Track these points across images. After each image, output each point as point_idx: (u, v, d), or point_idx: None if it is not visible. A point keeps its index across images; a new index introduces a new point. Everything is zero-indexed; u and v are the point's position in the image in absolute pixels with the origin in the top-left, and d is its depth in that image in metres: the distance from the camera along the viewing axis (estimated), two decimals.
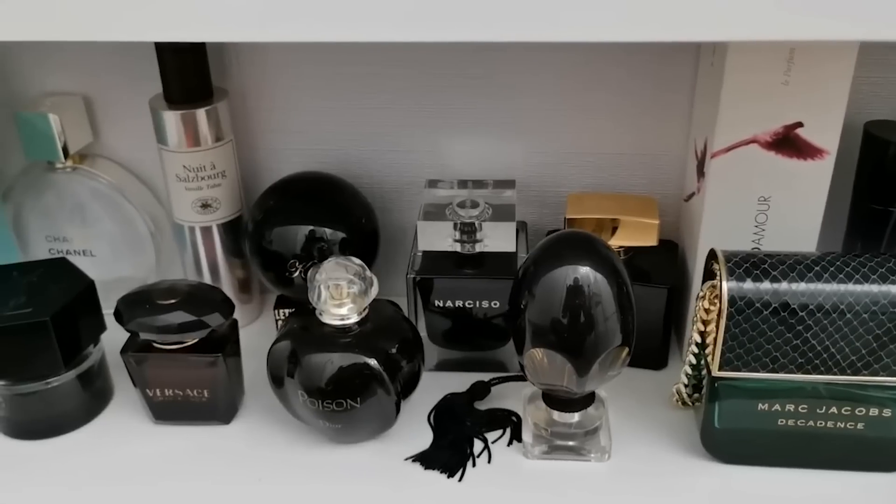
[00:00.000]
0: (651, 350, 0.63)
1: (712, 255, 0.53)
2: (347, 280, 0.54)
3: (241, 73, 0.66)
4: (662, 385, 0.62)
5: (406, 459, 0.57)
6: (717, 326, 0.51)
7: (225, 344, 0.58)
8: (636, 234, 0.61)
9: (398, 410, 0.56)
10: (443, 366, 0.65)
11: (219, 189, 0.65)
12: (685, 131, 0.65)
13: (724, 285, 0.50)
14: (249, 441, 0.59)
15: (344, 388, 0.54)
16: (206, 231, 0.66)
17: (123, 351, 0.57)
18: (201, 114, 0.62)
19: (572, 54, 0.63)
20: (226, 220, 0.66)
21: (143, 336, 0.56)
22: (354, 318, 0.55)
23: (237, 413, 0.61)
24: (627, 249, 0.62)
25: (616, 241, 0.62)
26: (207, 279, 0.68)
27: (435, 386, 0.63)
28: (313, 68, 0.65)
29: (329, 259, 0.55)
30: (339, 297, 0.55)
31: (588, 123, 0.65)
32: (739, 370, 0.52)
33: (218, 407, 0.59)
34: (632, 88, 0.64)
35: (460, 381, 0.63)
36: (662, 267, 0.63)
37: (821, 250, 0.55)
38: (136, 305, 0.56)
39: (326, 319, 0.55)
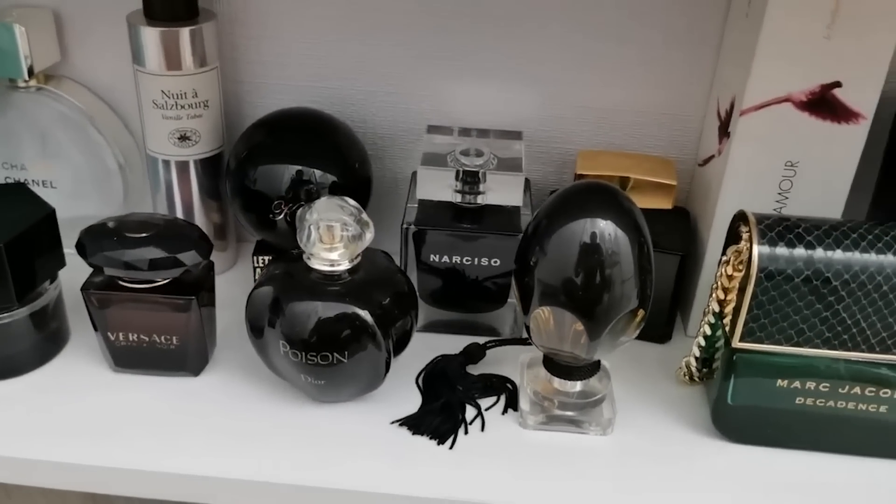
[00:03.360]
0: (657, 322, 0.59)
1: (741, 217, 0.49)
2: (342, 222, 0.49)
3: None
4: (666, 359, 0.58)
5: (392, 423, 0.52)
6: (743, 294, 0.47)
7: (199, 287, 0.52)
8: (650, 195, 0.57)
9: (388, 369, 0.51)
10: (431, 327, 0.61)
11: (199, 120, 0.59)
12: (706, 90, 0.60)
13: (755, 249, 0.46)
14: (220, 396, 0.54)
15: (331, 341, 0.49)
16: (183, 167, 0.60)
17: (84, 288, 0.52)
18: (185, 33, 0.56)
19: (592, 4, 0.58)
20: (205, 156, 0.60)
21: (109, 272, 0.51)
22: (346, 265, 0.50)
23: (207, 365, 0.56)
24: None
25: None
26: None
27: (422, 347, 0.58)
28: None
29: (322, 198, 0.50)
30: (331, 241, 0.50)
31: (602, 77, 0.61)
32: (762, 342, 0.48)
33: (187, 357, 0.54)
34: (653, 43, 0.59)
35: (449, 344, 0.58)
36: (673, 233, 0.59)
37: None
38: (102, 237, 0.51)
39: (315, 264, 0.50)
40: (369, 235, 0.50)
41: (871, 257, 0.46)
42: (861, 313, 0.46)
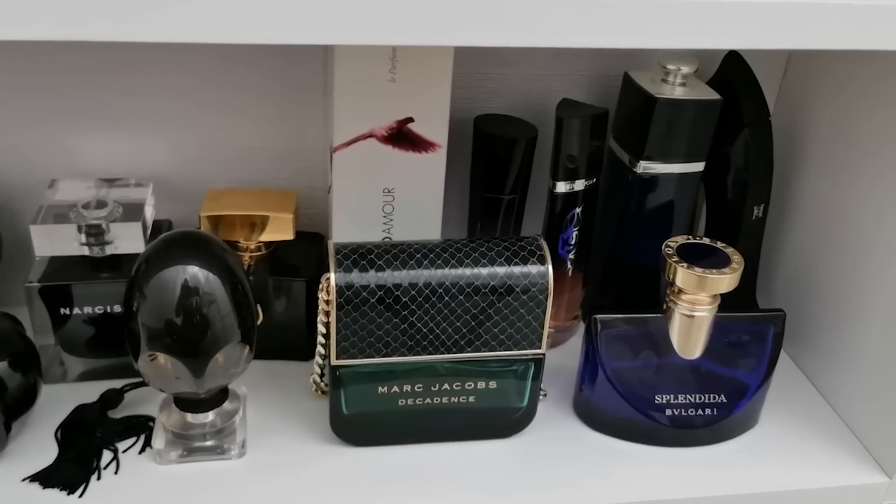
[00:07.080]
0: (297, 342, 0.64)
1: (326, 248, 0.54)
2: None
3: None
4: (306, 376, 0.63)
5: (24, 480, 0.53)
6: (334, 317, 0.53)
7: None
8: (274, 228, 0.62)
9: (9, 430, 0.52)
10: (88, 376, 0.62)
11: None
12: (321, 129, 0.66)
13: (332, 277, 0.52)
14: None
15: None
16: None
17: None
18: None
19: (206, 55, 0.62)
20: None
21: None
22: None
23: None
24: (269, 244, 0.63)
25: (262, 237, 0.62)
26: None
27: (75, 399, 0.59)
28: None
29: None
30: None
31: (229, 121, 0.65)
32: (356, 357, 0.54)
33: None
34: (268, 87, 0.64)
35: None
36: (307, 260, 0.64)
37: (445, 237, 0.58)
38: None
39: None
40: None
41: (433, 272, 0.53)
42: (433, 321, 0.53)
